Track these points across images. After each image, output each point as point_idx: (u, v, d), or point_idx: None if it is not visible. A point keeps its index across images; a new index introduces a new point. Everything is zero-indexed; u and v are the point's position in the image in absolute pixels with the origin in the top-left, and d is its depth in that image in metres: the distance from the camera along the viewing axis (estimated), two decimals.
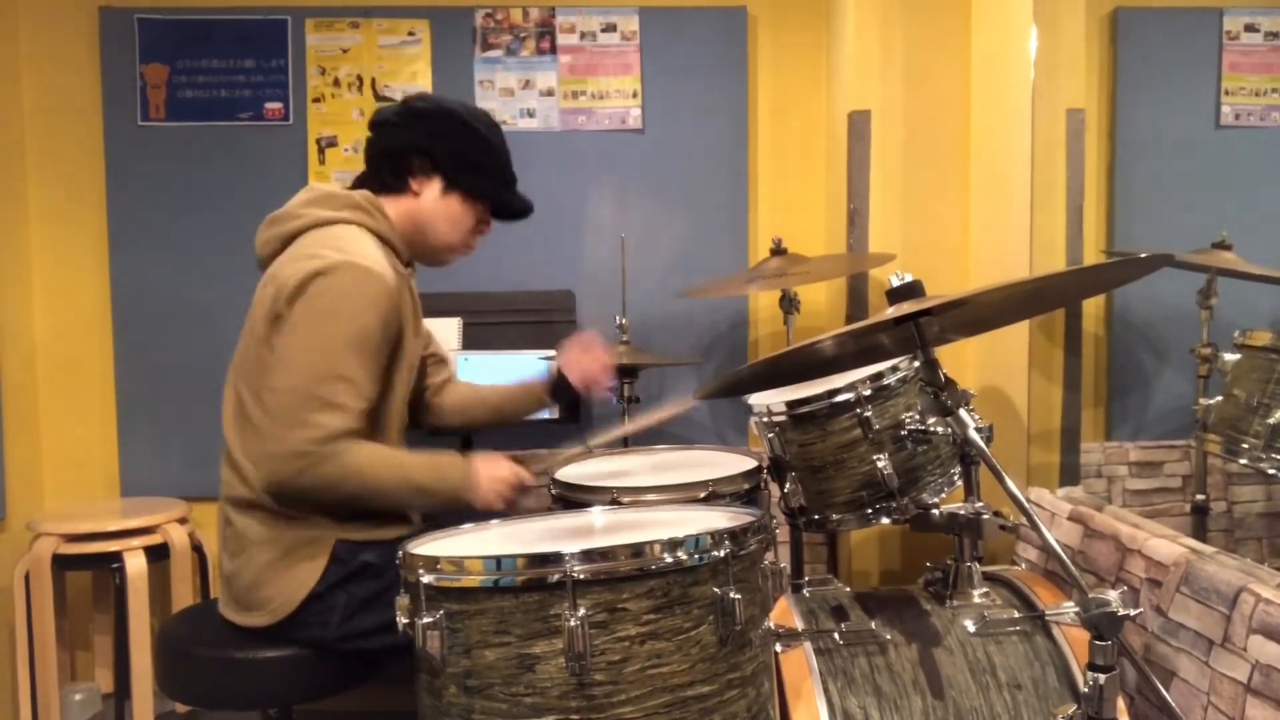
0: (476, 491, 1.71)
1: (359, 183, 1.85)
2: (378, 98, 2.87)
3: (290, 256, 1.69)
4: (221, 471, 1.75)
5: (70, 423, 2.88)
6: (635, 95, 2.90)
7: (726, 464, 1.92)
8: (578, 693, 1.22)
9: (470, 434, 2.60)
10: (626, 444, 2.47)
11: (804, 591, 1.81)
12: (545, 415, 2.63)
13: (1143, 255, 1.31)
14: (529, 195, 1.91)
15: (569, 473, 1.97)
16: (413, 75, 2.87)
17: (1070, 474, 2.18)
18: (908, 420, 1.68)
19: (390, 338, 1.68)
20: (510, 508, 1.74)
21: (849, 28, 2.57)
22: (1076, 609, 1.18)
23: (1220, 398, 2.06)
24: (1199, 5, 2.29)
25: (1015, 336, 2.24)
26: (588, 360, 2.08)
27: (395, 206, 1.81)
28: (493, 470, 1.73)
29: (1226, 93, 2.23)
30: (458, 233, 1.86)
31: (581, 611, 1.21)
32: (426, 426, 2.08)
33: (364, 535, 1.71)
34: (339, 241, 1.68)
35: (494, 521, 1.60)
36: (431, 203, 1.82)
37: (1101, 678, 1.18)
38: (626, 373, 2.44)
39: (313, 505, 1.66)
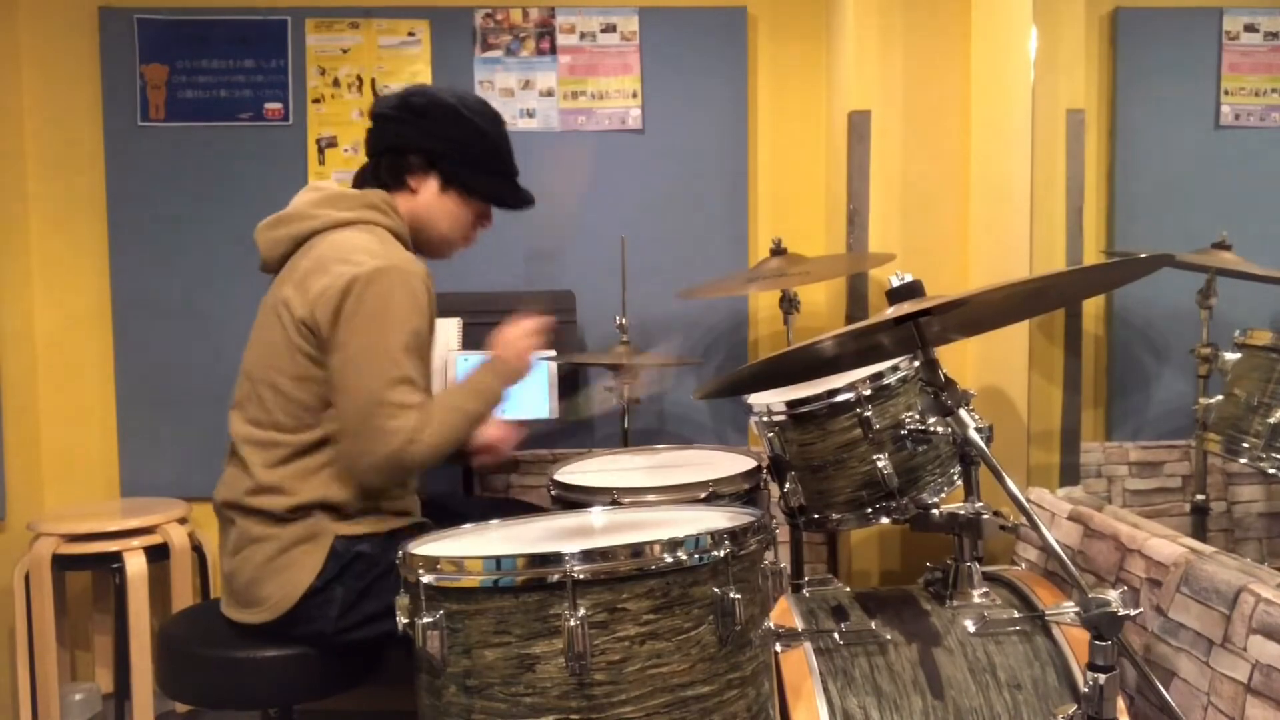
0: (513, 374, 1.79)
1: (361, 176, 1.86)
2: (377, 98, 2.87)
3: (317, 261, 1.69)
4: (226, 471, 1.76)
5: (70, 423, 2.88)
6: (635, 95, 2.90)
7: (726, 464, 1.92)
8: (578, 693, 1.22)
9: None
10: (626, 442, 2.47)
11: (804, 591, 1.81)
12: (545, 415, 2.64)
13: (1143, 255, 1.31)
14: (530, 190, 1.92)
15: (569, 473, 1.97)
16: (413, 75, 2.87)
17: (1070, 474, 2.18)
18: (908, 420, 1.68)
19: (430, 334, 1.72)
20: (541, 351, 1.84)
21: (849, 27, 2.57)
22: (1076, 609, 1.18)
23: (1220, 397, 2.06)
24: (1199, 5, 2.29)
25: (1015, 336, 2.24)
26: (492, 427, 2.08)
27: (400, 203, 1.82)
28: (508, 343, 1.81)
29: (1226, 93, 2.23)
30: (458, 229, 1.86)
31: (581, 611, 1.21)
32: None
33: (361, 530, 1.72)
34: (369, 244, 1.69)
35: (494, 522, 1.60)
36: (429, 200, 1.82)
37: (1101, 678, 1.18)
38: (626, 373, 2.44)
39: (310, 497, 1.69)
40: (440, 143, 1.80)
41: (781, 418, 1.81)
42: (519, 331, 1.82)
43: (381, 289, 1.63)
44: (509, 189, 1.89)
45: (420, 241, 1.86)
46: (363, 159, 1.89)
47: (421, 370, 1.67)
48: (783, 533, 2.01)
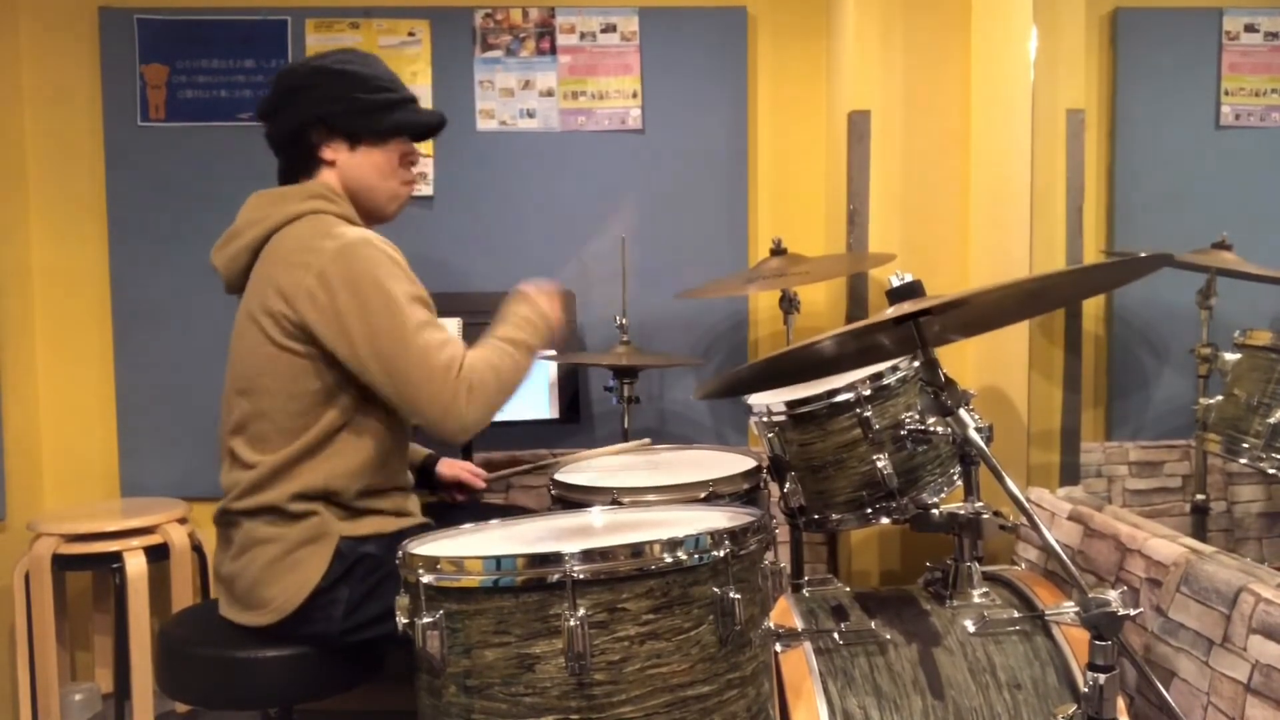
0: (549, 315, 1.82)
1: (282, 180, 1.83)
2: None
3: (281, 260, 1.67)
4: (224, 478, 1.75)
5: (70, 423, 2.88)
6: (635, 95, 2.90)
7: (726, 464, 1.92)
8: (577, 693, 1.22)
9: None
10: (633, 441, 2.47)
11: (804, 591, 1.81)
12: (545, 415, 2.64)
13: (1143, 255, 1.31)
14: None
15: (569, 473, 1.97)
16: (413, 75, 2.86)
17: (1070, 474, 2.18)
18: (908, 420, 1.68)
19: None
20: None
21: (849, 28, 2.57)
22: (1076, 609, 1.18)
23: (1220, 397, 2.06)
24: (1199, 5, 2.29)
25: (1015, 336, 2.24)
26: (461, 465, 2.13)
27: (329, 183, 1.78)
28: (538, 292, 1.84)
29: (1226, 93, 2.23)
30: (389, 177, 1.82)
31: (581, 611, 1.21)
32: None
33: (367, 530, 1.71)
34: (325, 229, 1.67)
35: (494, 521, 1.60)
36: (348, 164, 1.78)
37: (1101, 678, 1.18)
38: (626, 373, 2.44)
39: (316, 497, 1.69)
40: (325, 104, 1.75)
41: (781, 418, 1.81)
42: (551, 293, 1.85)
43: (354, 265, 1.62)
44: (410, 114, 1.83)
45: (364, 208, 1.81)
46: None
47: (432, 316, 1.67)
48: (783, 533, 2.02)
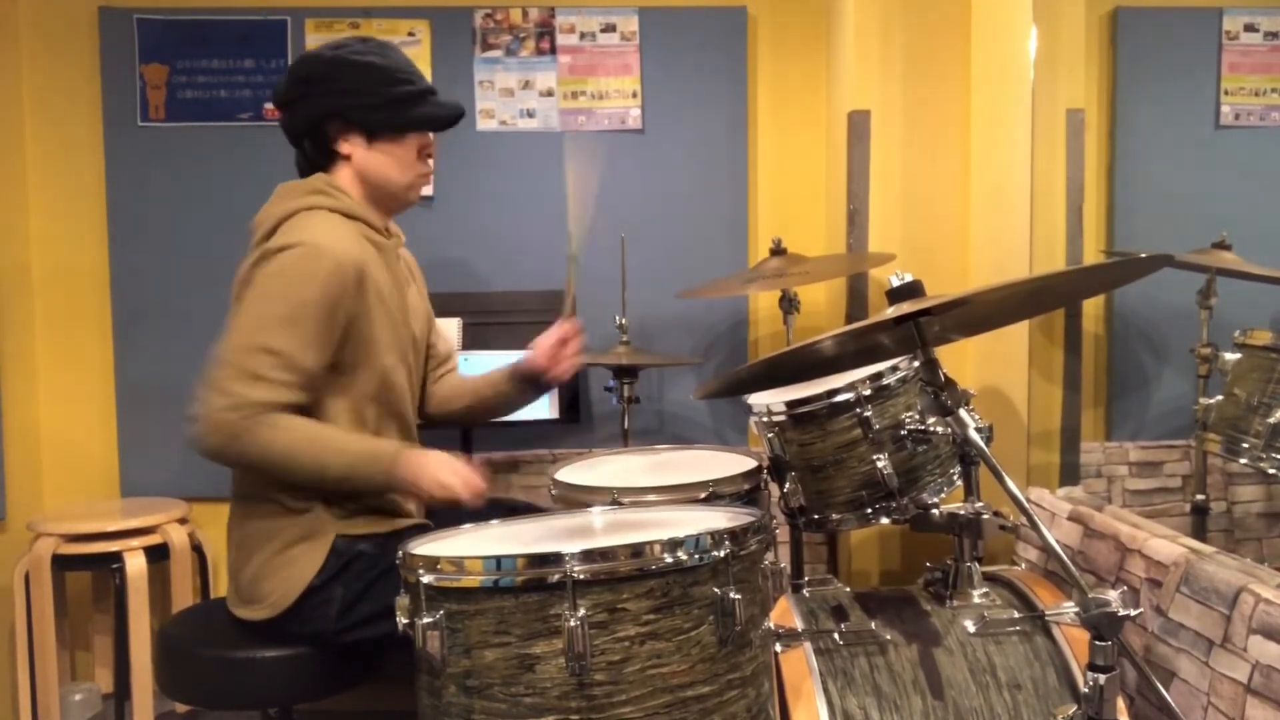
0: (407, 487, 1.66)
1: (298, 169, 1.84)
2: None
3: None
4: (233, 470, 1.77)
5: (70, 423, 2.88)
6: (635, 95, 2.90)
7: (726, 464, 1.91)
8: (578, 693, 1.22)
9: (467, 428, 2.61)
10: (626, 442, 2.47)
11: (804, 591, 1.81)
12: (545, 415, 2.64)
13: (1143, 255, 1.31)
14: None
15: (569, 473, 1.97)
16: None
17: (1070, 474, 2.18)
18: (908, 420, 1.68)
19: (339, 314, 1.64)
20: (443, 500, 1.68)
21: (849, 28, 2.57)
22: (1076, 609, 1.18)
23: (1220, 397, 2.06)
24: (1199, 5, 2.29)
25: (1015, 336, 2.24)
26: (558, 349, 1.99)
27: (342, 177, 1.79)
28: (437, 465, 1.67)
29: (1226, 93, 2.23)
30: (407, 170, 1.81)
31: (581, 611, 1.21)
32: (423, 417, 2.05)
33: (363, 529, 1.72)
34: (300, 225, 1.68)
35: (494, 521, 1.60)
36: (365, 156, 1.77)
37: (1101, 678, 1.18)
38: (626, 373, 2.44)
39: (313, 494, 1.68)
40: (343, 96, 1.74)
41: (781, 418, 1.81)
42: (452, 467, 1.67)
43: (281, 260, 1.62)
44: (430, 108, 1.81)
45: (382, 199, 1.81)
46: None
47: (300, 346, 1.59)
48: (783, 533, 2.01)
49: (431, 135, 1.84)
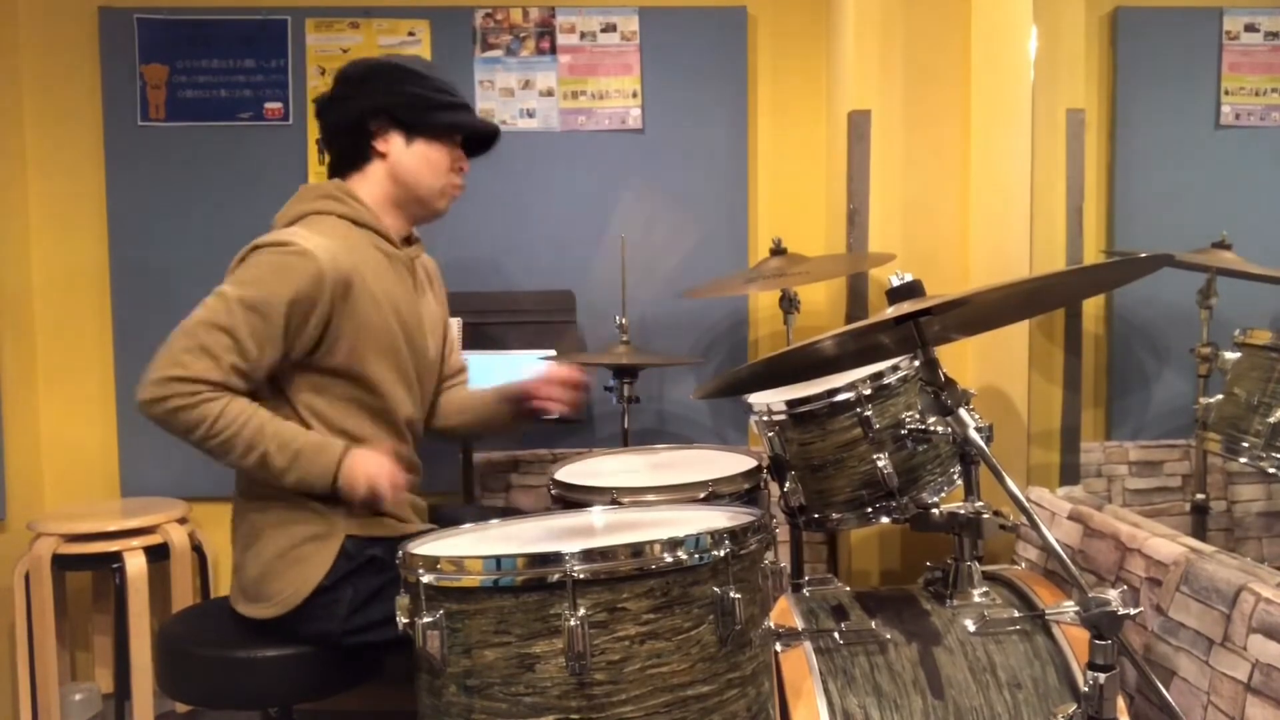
0: (347, 484, 1.66)
1: (330, 172, 1.85)
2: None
3: None
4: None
5: (70, 423, 2.88)
6: (635, 95, 2.90)
7: (726, 464, 1.92)
8: (578, 692, 1.22)
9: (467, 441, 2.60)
10: (626, 442, 2.47)
11: (804, 591, 1.81)
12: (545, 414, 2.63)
13: (1143, 255, 1.31)
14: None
15: (569, 473, 1.97)
16: None
17: (1070, 474, 2.18)
18: (908, 419, 1.68)
19: (312, 318, 1.65)
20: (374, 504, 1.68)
21: (849, 28, 2.57)
22: (1076, 608, 1.18)
23: (1220, 397, 2.06)
24: (1199, 5, 2.29)
25: (1015, 336, 2.24)
26: (556, 384, 2.00)
27: (369, 180, 1.80)
28: (376, 463, 1.67)
29: (1226, 93, 2.24)
30: (439, 174, 1.83)
31: (581, 611, 1.21)
32: (430, 429, 2.05)
33: (373, 531, 1.72)
34: (301, 228, 1.70)
35: (494, 521, 1.60)
36: (401, 156, 1.80)
37: (1101, 677, 1.18)
38: (626, 372, 2.44)
39: (317, 496, 1.67)
40: (389, 96, 1.78)
41: (781, 417, 1.81)
42: (386, 470, 1.68)
43: (268, 255, 1.65)
44: (469, 117, 1.87)
45: (411, 203, 1.83)
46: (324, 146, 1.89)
47: (254, 336, 1.61)
48: (783, 532, 2.01)
49: (465, 155, 1.88)
